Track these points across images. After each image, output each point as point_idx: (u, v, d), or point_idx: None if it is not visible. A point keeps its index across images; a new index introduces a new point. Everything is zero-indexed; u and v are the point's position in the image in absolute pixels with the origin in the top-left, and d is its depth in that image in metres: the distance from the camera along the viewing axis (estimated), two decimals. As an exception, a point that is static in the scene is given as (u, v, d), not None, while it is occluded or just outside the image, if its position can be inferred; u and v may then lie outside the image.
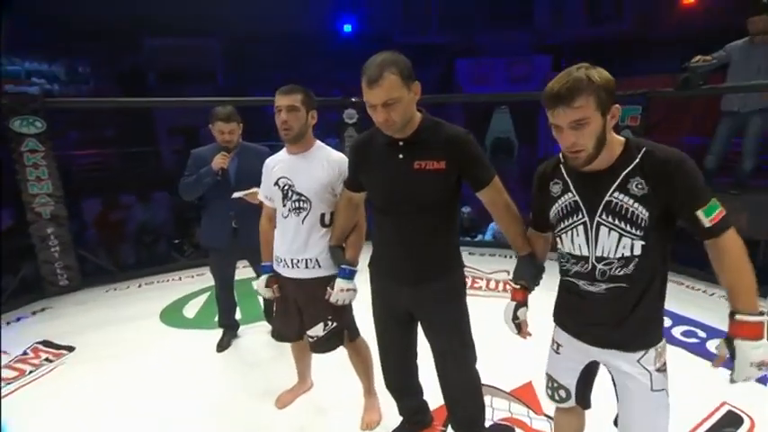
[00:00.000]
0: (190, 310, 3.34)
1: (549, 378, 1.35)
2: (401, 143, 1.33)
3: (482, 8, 12.19)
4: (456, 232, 1.50)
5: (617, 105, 1.05)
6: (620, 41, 10.84)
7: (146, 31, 10.19)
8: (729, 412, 1.99)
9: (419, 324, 1.56)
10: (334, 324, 1.77)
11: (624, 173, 1.06)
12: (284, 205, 1.71)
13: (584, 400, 1.34)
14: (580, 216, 1.13)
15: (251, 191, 2.27)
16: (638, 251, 1.07)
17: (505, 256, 4.32)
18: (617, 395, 1.23)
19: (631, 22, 11.48)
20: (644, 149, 1.06)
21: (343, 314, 1.80)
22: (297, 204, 1.68)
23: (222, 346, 2.73)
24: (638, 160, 1.06)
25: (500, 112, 10.78)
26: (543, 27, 13.06)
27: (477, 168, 1.34)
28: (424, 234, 1.38)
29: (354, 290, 1.68)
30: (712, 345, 2.61)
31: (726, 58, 3.52)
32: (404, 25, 13.47)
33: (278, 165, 1.75)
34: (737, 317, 1.00)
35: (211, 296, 3.47)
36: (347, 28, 13.29)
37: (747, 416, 1.98)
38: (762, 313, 0.99)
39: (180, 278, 4.05)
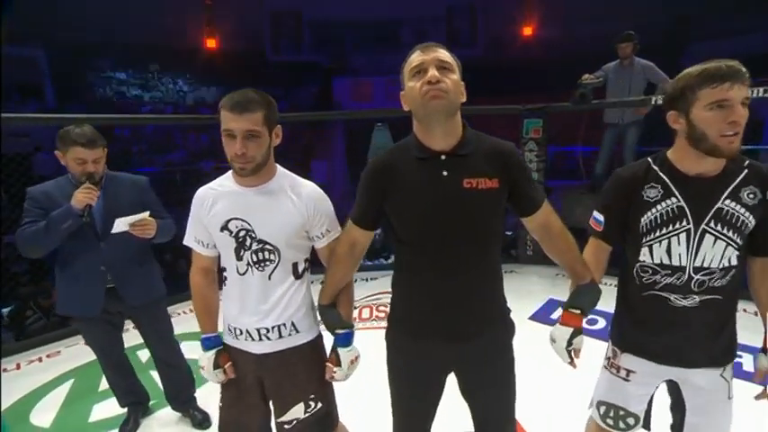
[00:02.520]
0: (43, 416, 2.30)
1: (612, 407, 1.27)
2: (444, 157, 1.09)
3: (352, 30, 12.58)
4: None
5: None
6: (476, 65, 12.22)
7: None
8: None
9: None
10: (320, 405, 1.34)
11: (737, 181, 1.06)
12: (240, 258, 1.25)
13: (648, 421, 1.31)
14: (684, 223, 1.08)
15: (140, 216, 1.74)
16: (735, 261, 1.08)
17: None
18: (684, 407, 1.22)
19: (484, 49, 13.10)
20: (747, 161, 1.09)
21: (329, 391, 1.40)
22: (260, 256, 1.24)
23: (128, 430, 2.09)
24: (747, 170, 1.07)
25: (379, 129, 11.14)
26: (409, 49, 14.19)
27: (530, 187, 1.13)
28: (478, 273, 1.14)
29: (359, 355, 1.34)
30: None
31: (604, 77, 3.97)
32: (274, 43, 13.05)
33: (223, 200, 1.24)
34: None
35: (79, 384, 2.56)
36: (211, 43, 12.26)
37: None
38: None
39: (18, 366, 2.85)
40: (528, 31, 12.15)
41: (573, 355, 1.21)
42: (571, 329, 1.19)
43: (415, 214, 1.10)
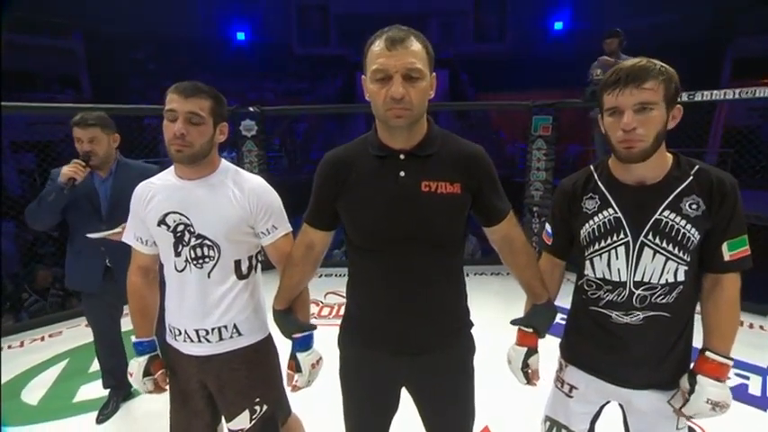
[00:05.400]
0: (32, 393, 2.40)
1: (555, 424, 1.21)
2: (403, 156, 1.01)
3: (376, 24, 12.48)
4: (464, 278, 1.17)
5: (679, 107, 0.95)
6: (503, 60, 11.93)
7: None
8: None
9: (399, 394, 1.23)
10: (265, 408, 1.29)
11: (677, 190, 0.98)
12: (178, 254, 1.20)
13: None
14: (622, 236, 1.02)
15: (116, 231, 1.76)
16: (681, 277, 1.00)
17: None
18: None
19: (511, 43, 12.77)
20: (697, 167, 1.00)
21: (275, 392, 1.34)
22: (198, 252, 1.18)
23: (105, 414, 2.14)
24: (691, 178, 0.99)
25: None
26: (435, 42, 13.97)
27: (496, 196, 1.07)
28: (434, 282, 1.05)
29: (321, 358, 1.26)
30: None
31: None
32: (301, 36, 13.16)
33: (160, 194, 1.21)
34: (708, 354, 1.00)
35: (71, 365, 2.65)
36: (240, 36, 12.48)
37: (698, 427, 1.94)
38: (731, 359, 1.00)
39: (21, 344, 2.99)
40: (559, 25, 11.72)
41: (531, 376, 1.17)
42: (525, 349, 1.16)
43: (368, 216, 1.03)
